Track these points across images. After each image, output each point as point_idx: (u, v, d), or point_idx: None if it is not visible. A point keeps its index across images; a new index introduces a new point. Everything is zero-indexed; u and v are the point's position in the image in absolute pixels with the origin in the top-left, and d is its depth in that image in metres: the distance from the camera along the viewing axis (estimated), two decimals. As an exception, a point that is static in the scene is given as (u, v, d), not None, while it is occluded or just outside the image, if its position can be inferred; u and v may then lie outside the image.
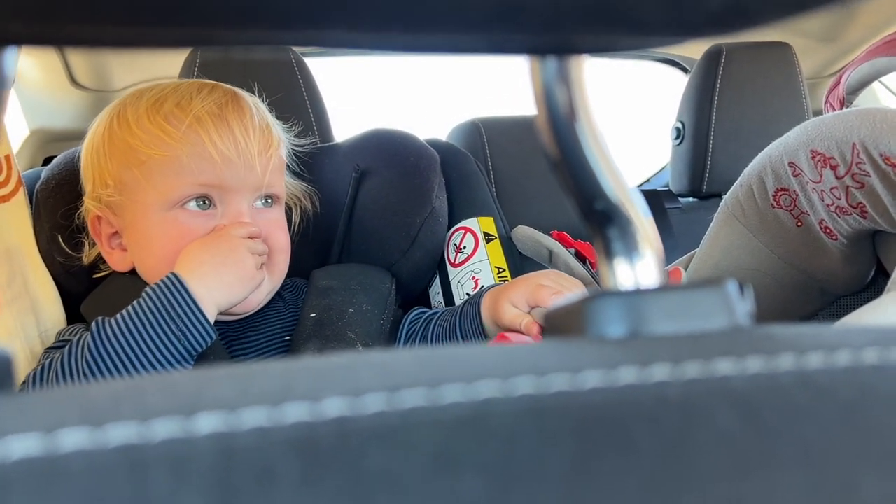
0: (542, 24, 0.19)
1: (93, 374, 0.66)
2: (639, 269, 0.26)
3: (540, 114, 0.26)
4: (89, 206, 0.82)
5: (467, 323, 0.82)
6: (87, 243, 0.87)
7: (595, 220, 0.27)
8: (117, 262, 0.83)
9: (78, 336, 0.71)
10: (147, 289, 0.70)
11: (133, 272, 0.83)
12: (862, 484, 0.15)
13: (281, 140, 0.86)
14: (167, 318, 0.68)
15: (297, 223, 0.97)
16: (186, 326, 0.68)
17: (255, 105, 0.82)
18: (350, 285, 0.90)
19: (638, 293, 0.24)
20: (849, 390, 0.18)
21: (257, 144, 0.78)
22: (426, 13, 0.18)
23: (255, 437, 0.15)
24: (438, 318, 0.88)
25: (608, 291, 0.24)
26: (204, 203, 0.77)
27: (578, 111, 0.26)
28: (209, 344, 0.70)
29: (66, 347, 0.70)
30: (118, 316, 0.69)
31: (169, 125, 0.75)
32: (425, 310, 0.93)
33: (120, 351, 0.66)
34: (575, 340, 0.22)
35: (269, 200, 0.84)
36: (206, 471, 0.14)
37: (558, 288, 0.76)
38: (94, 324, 0.69)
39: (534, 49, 0.23)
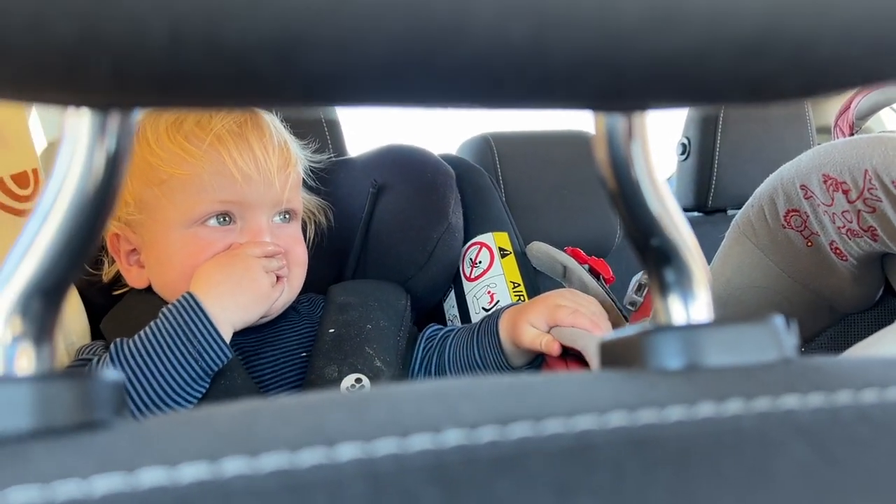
0: (609, 92, 0.21)
1: None
2: (691, 304, 0.28)
3: (600, 155, 0.28)
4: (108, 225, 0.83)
5: (485, 342, 0.84)
6: (106, 261, 0.88)
7: (651, 256, 0.29)
8: (135, 278, 0.84)
9: (98, 357, 0.73)
10: (164, 309, 0.72)
11: (149, 289, 0.85)
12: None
13: (298, 158, 0.88)
14: (184, 340, 0.70)
15: (312, 237, 0.99)
16: (203, 347, 0.70)
17: (274, 124, 0.84)
18: (367, 301, 0.91)
19: (692, 327, 0.27)
20: (902, 424, 0.20)
21: (276, 162, 0.80)
22: (499, 81, 0.20)
23: (392, 464, 0.17)
24: (455, 336, 0.89)
25: (665, 326, 0.27)
26: (224, 220, 0.79)
27: (638, 154, 0.28)
28: (225, 363, 0.72)
29: (86, 369, 0.71)
30: (136, 337, 0.71)
31: (189, 144, 0.77)
32: (441, 327, 0.95)
33: (138, 372, 0.68)
34: (645, 374, 0.24)
35: (287, 216, 0.86)
36: (360, 494, 0.16)
37: (576, 307, 0.78)
38: (112, 345, 0.71)
39: (598, 107, 0.25)
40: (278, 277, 0.81)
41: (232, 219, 0.80)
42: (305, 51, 0.14)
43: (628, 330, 0.28)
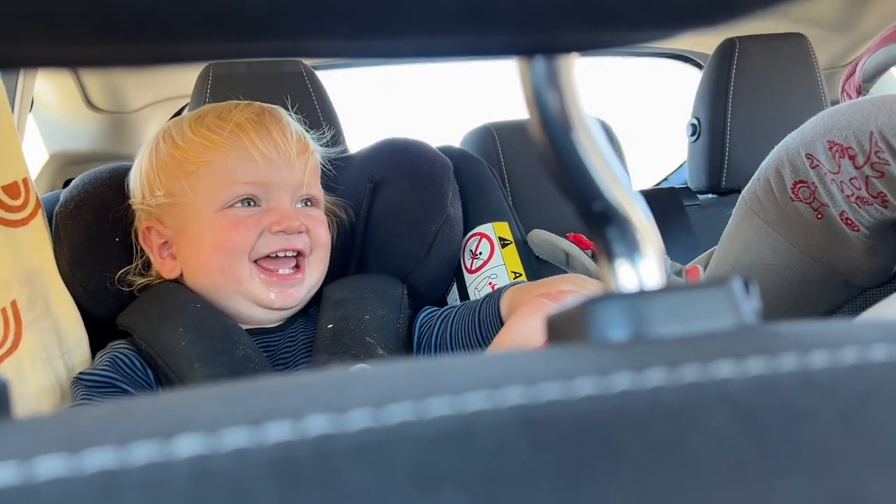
0: (520, 23, 0.18)
1: None
2: (641, 269, 0.26)
3: (532, 116, 0.26)
4: (140, 217, 0.88)
5: (487, 324, 0.82)
6: (152, 259, 0.88)
7: (594, 222, 0.26)
8: (168, 270, 0.87)
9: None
10: None
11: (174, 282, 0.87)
12: (865, 487, 0.14)
13: (315, 148, 0.92)
14: None
15: (335, 235, 0.99)
16: None
17: (289, 117, 0.89)
18: (363, 294, 0.91)
19: (640, 294, 0.24)
20: (853, 389, 0.17)
21: (295, 147, 0.85)
22: (399, 18, 0.18)
23: (234, 460, 0.14)
24: (456, 314, 0.88)
25: (610, 294, 0.24)
26: (249, 203, 0.83)
27: (570, 112, 0.25)
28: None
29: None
30: None
31: (212, 133, 0.82)
32: (435, 309, 0.93)
33: None
34: (573, 346, 0.21)
35: (309, 202, 0.88)
36: (180, 495, 0.13)
37: (582, 291, 0.75)
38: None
39: (518, 49, 0.22)
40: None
41: (256, 202, 0.83)
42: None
43: (575, 300, 0.25)
